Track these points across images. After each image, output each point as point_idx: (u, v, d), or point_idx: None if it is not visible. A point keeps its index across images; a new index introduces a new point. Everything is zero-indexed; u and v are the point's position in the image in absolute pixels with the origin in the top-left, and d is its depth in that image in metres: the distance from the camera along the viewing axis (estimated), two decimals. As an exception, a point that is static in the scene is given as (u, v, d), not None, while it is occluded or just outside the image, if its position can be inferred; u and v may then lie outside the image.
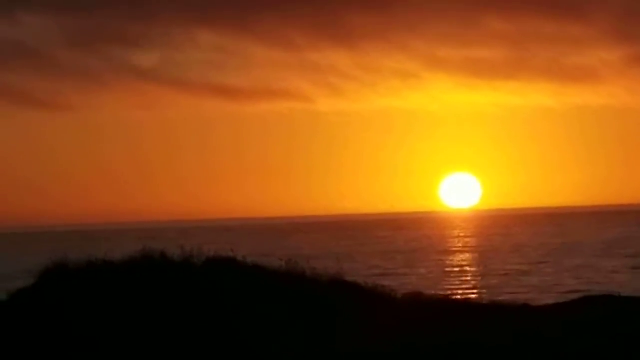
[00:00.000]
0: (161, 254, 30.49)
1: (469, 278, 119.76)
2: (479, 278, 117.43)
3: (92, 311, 29.34)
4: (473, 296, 39.15)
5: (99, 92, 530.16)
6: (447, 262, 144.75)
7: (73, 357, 28.22)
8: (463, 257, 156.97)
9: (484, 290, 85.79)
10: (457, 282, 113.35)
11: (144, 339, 28.58)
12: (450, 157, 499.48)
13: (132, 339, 28.56)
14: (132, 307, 29.36)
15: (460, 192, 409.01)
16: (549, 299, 37.69)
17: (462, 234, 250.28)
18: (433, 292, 35.76)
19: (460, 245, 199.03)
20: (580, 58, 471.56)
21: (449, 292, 40.17)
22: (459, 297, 36.74)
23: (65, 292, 30.06)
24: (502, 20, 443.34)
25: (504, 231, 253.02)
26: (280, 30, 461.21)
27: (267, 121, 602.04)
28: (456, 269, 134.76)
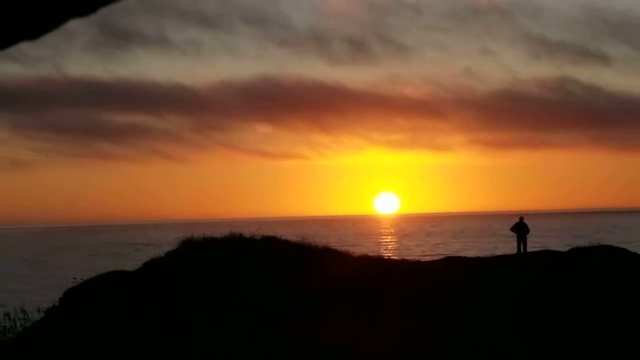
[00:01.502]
0: (240, 234, 33.27)
1: (392, 245, 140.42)
2: (397, 244, 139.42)
3: (204, 264, 30.61)
4: (392, 256, 42.16)
5: (205, 153, 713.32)
6: (380, 240, 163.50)
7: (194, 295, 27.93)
8: (389, 237, 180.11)
9: (399, 252, 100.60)
10: (388, 248, 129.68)
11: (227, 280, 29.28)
12: (381, 185, 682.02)
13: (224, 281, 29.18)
14: (224, 261, 30.79)
15: (386, 204, 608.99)
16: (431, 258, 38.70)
17: (387, 226, 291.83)
18: (374, 254, 37.74)
19: (386, 231, 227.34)
20: (445, 139, 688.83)
21: (380, 253, 42.45)
22: (384, 255, 40.24)
23: (192, 254, 31.85)
24: (402, 119, 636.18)
25: (409, 225, 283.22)
26: (295, 123, 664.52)
27: (286, 170, 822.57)
28: (385, 242, 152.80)
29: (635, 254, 34.76)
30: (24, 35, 1.99)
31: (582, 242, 38.48)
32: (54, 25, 2.01)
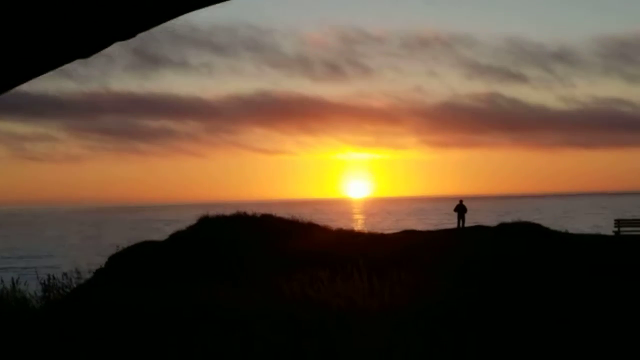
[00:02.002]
0: (244, 212, 32.35)
1: (362, 221, 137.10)
2: (365, 221, 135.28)
3: (217, 236, 29.41)
4: (362, 229, 42.12)
5: (216, 150, 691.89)
6: (353, 217, 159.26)
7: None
8: (359, 215, 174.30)
9: (367, 226, 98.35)
10: (358, 224, 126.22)
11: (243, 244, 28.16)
12: (352, 175, 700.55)
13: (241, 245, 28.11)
14: (232, 233, 29.57)
15: (356, 189, 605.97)
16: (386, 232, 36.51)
17: (357, 207, 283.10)
18: (347, 228, 36.33)
19: (357, 211, 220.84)
20: (401, 140, 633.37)
21: (352, 227, 41.96)
22: (355, 229, 39.92)
23: (207, 228, 30.89)
24: (368, 124, 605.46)
25: (375, 206, 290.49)
26: (285, 127, 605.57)
27: (279, 163, 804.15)
28: (356, 219, 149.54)
29: (546, 228, 34.85)
30: (78, 54, 1.92)
31: (507, 219, 38.50)
32: (102, 46, 1.94)
